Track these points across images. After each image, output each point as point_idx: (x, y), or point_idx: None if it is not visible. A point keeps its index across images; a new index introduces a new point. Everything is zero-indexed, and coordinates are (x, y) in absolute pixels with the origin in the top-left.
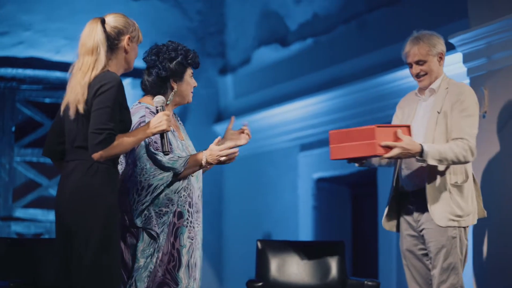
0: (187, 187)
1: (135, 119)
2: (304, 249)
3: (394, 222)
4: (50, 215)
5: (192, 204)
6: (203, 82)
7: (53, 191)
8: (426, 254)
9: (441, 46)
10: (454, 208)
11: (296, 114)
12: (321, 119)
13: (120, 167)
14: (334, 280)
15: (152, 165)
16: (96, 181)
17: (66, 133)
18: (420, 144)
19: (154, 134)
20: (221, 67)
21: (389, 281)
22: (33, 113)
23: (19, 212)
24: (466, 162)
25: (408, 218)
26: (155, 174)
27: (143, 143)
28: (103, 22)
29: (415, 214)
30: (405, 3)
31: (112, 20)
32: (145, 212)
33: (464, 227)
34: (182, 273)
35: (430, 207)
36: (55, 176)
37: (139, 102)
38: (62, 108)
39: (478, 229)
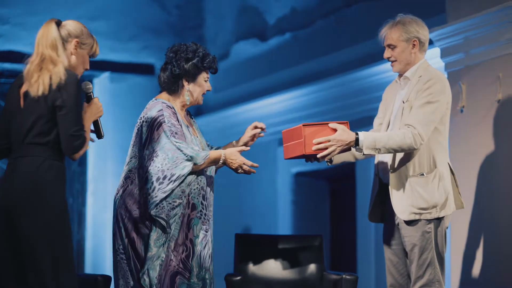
0: (200, 180)
1: (152, 113)
2: (282, 243)
3: (379, 214)
4: None
5: (206, 197)
6: None
7: None
8: (404, 247)
9: (416, 33)
10: (417, 201)
11: (274, 108)
12: (300, 114)
13: (127, 168)
14: (313, 274)
15: (173, 154)
16: (50, 177)
17: (13, 126)
18: (356, 133)
19: (98, 116)
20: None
21: (367, 275)
22: None
23: None
24: (411, 149)
25: (388, 210)
26: (177, 163)
27: (163, 134)
28: (58, 23)
29: (392, 207)
30: None
31: (67, 23)
32: (163, 202)
33: (439, 218)
34: (194, 262)
35: (393, 200)
36: None
37: (156, 99)
38: (22, 97)
39: (455, 221)
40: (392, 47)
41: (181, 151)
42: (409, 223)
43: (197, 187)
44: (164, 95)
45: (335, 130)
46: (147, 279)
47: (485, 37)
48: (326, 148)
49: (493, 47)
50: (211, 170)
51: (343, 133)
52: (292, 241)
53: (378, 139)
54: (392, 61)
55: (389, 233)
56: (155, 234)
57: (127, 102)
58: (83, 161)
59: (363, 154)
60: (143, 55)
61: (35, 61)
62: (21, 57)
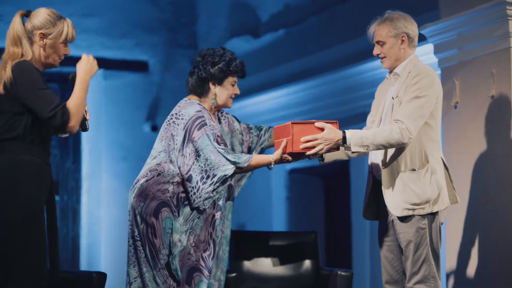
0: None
1: (190, 112)
2: (277, 240)
3: (374, 211)
4: None
5: (226, 199)
6: (175, 74)
7: None
8: (399, 244)
9: (404, 29)
10: (410, 197)
11: (268, 105)
12: (293, 110)
13: (155, 161)
14: (308, 270)
15: (216, 157)
16: (17, 173)
17: None
18: (343, 131)
19: (91, 75)
20: (193, 59)
21: (362, 271)
22: None
23: None
24: (400, 144)
25: (382, 207)
26: (219, 165)
27: (206, 136)
28: (26, 15)
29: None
30: None
31: (33, 15)
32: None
33: (433, 214)
34: (213, 262)
35: (385, 196)
36: None
37: (188, 99)
38: None
39: (449, 217)
40: (381, 43)
41: (223, 156)
42: (403, 219)
43: (226, 190)
44: (194, 97)
45: (323, 129)
46: (174, 262)
47: (479, 33)
48: (313, 147)
49: (487, 43)
50: None
51: (331, 132)
52: (286, 237)
53: (365, 136)
54: (382, 58)
55: (384, 230)
56: (181, 219)
57: (121, 99)
58: (77, 158)
59: (352, 152)
60: (136, 52)
61: (3, 58)
62: None
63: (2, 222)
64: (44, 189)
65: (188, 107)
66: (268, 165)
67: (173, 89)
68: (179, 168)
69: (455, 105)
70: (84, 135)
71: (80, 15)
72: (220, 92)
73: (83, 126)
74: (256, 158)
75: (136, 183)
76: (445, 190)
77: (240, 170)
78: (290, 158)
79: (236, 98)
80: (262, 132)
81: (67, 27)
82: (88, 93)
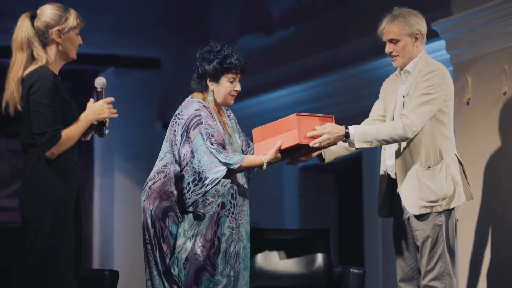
0: (232, 180)
1: (189, 112)
2: (289, 237)
3: (388, 209)
4: None
5: (236, 197)
6: (187, 71)
7: None
8: (414, 241)
9: (418, 26)
10: (426, 194)
11: (280, 102)
12: (306, 107)
13: (162, 162)
14: (320, 268)
15: (209, 158)
16: (45, 173)
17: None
18: (345, 127)
19: (96, 120)
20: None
21: (375, 268)
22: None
23: (4, 202)
24: (403, 139)
25: (397, 204)
26: (211, 167)
27: (200, 136)
28: (33, 16)
29: (401, 201)
30: None
31: (41, 14)
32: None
33: (450, 210)
34: (219, 259)
35: (401, 194)
36: None
37: (192, 97)
38: (3, 106)
39: (462, 214)
40: (394, 41)
41: (215, 156)
42: (420, 216)
43: (228, 186)
44: (198, 94)
45: (325, 122)
46: (176, 268)
47: (491, 29)
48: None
49: (499, 39)
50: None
51: (335, 127)
52: (299, 235)
53: (368, 132)
54: (394, 56)
55: (399, 227)
56: (186, 224)
57: (133, 97)
58: (89, 156)
59: (356, 149)
60: (148, 49)
61: (11, 62)
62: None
63: (36, 221)
64: (75, 188)
65: (189, 106)
66: (260, 166)
67: (185, 86)
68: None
69: (467, 102)
70: None
71: (91, 12)
72: (218, 90)
73: (101, 132)
74: (248, 159)
75: (145, 185)
76: (460, 186)
77: (232, 172)
78: (280, 156)
79: (247, 95)
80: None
81: (74, 16)
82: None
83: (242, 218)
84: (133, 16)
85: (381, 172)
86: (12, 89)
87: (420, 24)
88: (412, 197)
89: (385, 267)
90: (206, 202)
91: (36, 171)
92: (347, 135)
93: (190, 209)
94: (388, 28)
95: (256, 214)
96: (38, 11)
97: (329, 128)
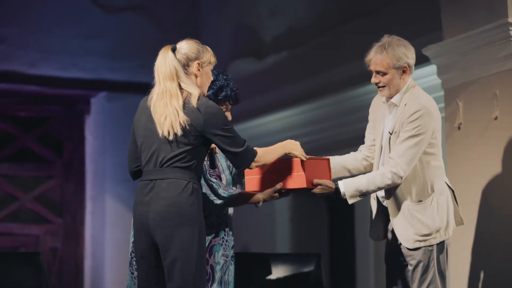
0: (226, 210)
1: None
2: (281, 262)
3: (380, 232)
4: (26, 229)
5: (229, 225)
6: None
7: (30, 205)
8: (406, 266)
9: (406, 59)
10: (419, 228)
11: (271, 127)
12: (297, 132)
13: None
14: None
15: (207, 190)
16: (191, 200)
17: (149, 153)
18: (335, 183)
19: (287, 153)
20: None
21: None
22: (8, 127)
23: None
24: (394, 186)
25: (388, 229)
26: (209, 199)
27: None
28: (174, 49)
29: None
30: (379, 16)
31: (182, 47)
32: None
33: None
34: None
35: (395, 229)
36: (31, 190)
37: None
38: (160, 130)
39: (455, 239)
40: (381, 73)
41: (216, 190)
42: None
43: (222, 218)
44: None
45: (324, 164)
46: None
47: (482, 54)
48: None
49: (490, 64)
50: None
51: (330, 183)
52: (290, 259)
53: (359, 187)
54: (380, 87)
55: (391, 251)
56: None
57: (125, 121)
58: (81, 180)
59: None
60: (140, 74)
61: (157, 92)
62: (17, 77)
63: (188, 245)
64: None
65: None
66: (256, 203)
67: None
68: None
69: (458, 126)
70: (87, 156)
71: (84, 37)
72: None
73: (213, 163)
74: (245, 196)
75: None
76: (452, 215)
77: (227, 205)
78: (278, 196)
79: (238, 120)
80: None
81: (211, 52)
82: (92, 115)
83: (231, 241)
84: (125, 40)
85: (373, 199)
86: (174, 114)
87: (408, 57)
88: (405, 232)
89: None
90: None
91: (182, 197)
92: (337, 191)
93: None
94: (376, 60)
95: (248, 239)
96: (178, 45)
97: (328, 181)
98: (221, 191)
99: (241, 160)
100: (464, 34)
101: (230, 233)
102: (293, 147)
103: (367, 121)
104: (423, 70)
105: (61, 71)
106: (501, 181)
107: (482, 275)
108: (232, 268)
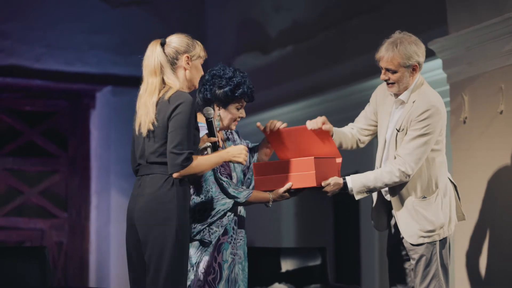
0: (234, 209)
1: None
2: (286, 256)
3: (384, 223)
4: (31, 223)
5: (237, 222)
6: None
7: (35, 200)
8: (408, 260)
9: (417, 57)
10: (423, 224)
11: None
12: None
13: None
14: (317, 286)
15: (217, 189)
16: (171, 194)
17: (139, 150)
18: (343, 178)
19: (230, 161)
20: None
21: (371, 286)
22: (14, 121)
23: (0, 220)
24: (401, 183)
25: (391, 223)
26: (219, 198)
27: None
28: (162, 43)
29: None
30: (384, 11)
31: (172, 41)
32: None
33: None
34: (221, 286)
35: (399, 225)
36: (36, 184)
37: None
38: (136, 128)
39: (458, 234)
40: (391, 71)
41: (226, 189)
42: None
43: (231, 216)
44: (200, 116)
45: (333, 161)
46: None
47: (487, 48)
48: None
49: (495, 58)
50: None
51: (338, 179)
52: (295, 253)
53: (366, 183)
54: (390, 84)
55: (394, 246)
56: (190, 251)
57: (130, 116)
58: (86, 174)
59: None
60: None
61: (143, 89)
62: (23, 72)
63: (165, 239)
64: (187, 206)
65: None
66: (266, 202)
67: None
68: None
69: (464, 120)
70: (92, 151)
71: (89, 32)
72: (224, 115)
73: (215, 147)
74: (255, 195)
75: None
76: (454, 210)
77: (237, 204)
78: (288, 196)
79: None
80: (254, 150)
81: (201, 46)
82: (97, 109)
83: (241, 239)
84: (129, 35)
85: (375, 193)
86: (147, 112)
87: (419, 55)
88: (410, 227)
89: (382, 286)
90: (211, 231)
91: (162, 192)
92: (345, 186)
93: (198, 237)
94: (387, 57)
95: (253, 233)
96: (167, 39)
97: (336, 177)
98: (231, 190)
99: (170, 161)
100: (470, 28)
101: (241, 231)
102: (235, 154)
103: None
104: (428, 64)
105: (66, 66)
106: (506, 174)
107: (483, 269)
108: (241, 266)
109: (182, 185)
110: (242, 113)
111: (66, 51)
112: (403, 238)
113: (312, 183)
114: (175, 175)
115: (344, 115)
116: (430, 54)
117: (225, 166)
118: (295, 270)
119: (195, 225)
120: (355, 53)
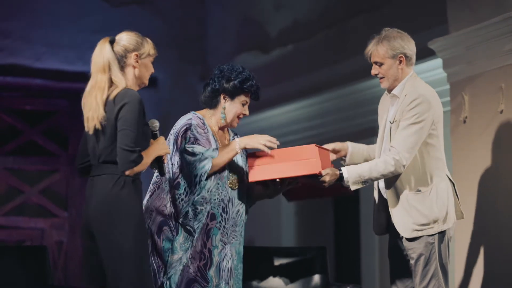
0: (221, 192)
1: (181, 122)
2: (286, 255)
3: (383, 226)
4: (31, 223)
5: (227, 211)
6: (184, 89)
7: (35, 199)
8: (408, 259)
9: (402, 49)
10: (417, 217)
11: (277, 120)
12: (302, 125)
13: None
14: (317, 286)
15: (190, 158)
16: (124, 193)
17: (90, 149)
18: (339, 169)
19: (159, 155)
20: (201, 74)
21: (372, 286)
22: (14, 120)
23: (1, 220)
24: (395, 174)
25: (391, 223)
26: (196, 164)
27: (184, 140)
28: (112, 41)
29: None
30: (384, 10)
31: (121, 38)
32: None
33: (441, 232)
34: (212, 272)
35: (393, 217)
36: (37, 184)
37: (194, 113)
38: (85, 124)
39: (458, 232)
40: (379, 64)
41: (194, 153)
42: (412, 239)
43: (217, 198)
44: (203, 112)
45: (329, 153)
46: (167, 282)
47: (487, 47)
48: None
49: (496, 57)
50: (238, 191)
51: (334, 169)
52: (295, 253)
53: (361, 173)
54: (380, 78)
55: (394, 245)
56: (181, 238)
57: None
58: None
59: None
60: None
61: (90, 85)
62: (23, 71)
63: (123, 238)
64: (141, 204)
65: (183, 118)
66: (235, 148)
67: (182, 104)
68: (169, 177)
69: (464, 120)
70: None
71: (90, 31)
72: (229, 108)
73: (162, 171)
74: (220, 148)
75: (143, 199)
76: (452, 207)
77: (217, 162)
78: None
79: None
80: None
81: (151, 44)
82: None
83: (234, 238)
84: None
85: (375, 190)
86: (95, 109)
87: (404, 47)
88: (403, 221)
89: (382, 285)
90: (196, 211)
91: (114, 191)
92: (341, 177)
93: (181, 220)
94: (373, 51)
95: (253, 232)
96: (117, 37)
97: (332, 170)
98: (198, 149)
99: (122, 159)
100: (470, 27)
101: (235, 228)
102: (161, 147)
103: (372, 114)
104: (428, 63)
105: (67, 65)
106: (506, 174)
107: (482, 268)
108: (240, 265)
109: (134, 183)
110: (246, 110)
111: (66, 50)
112: (402, 237)
113: (316, 169)
114: (127, 172)
115: (344, 114)
116: (430, 54)
117: (202, 142)
118: (295, 269)
119: (182, 205)
120: (355, 53)
